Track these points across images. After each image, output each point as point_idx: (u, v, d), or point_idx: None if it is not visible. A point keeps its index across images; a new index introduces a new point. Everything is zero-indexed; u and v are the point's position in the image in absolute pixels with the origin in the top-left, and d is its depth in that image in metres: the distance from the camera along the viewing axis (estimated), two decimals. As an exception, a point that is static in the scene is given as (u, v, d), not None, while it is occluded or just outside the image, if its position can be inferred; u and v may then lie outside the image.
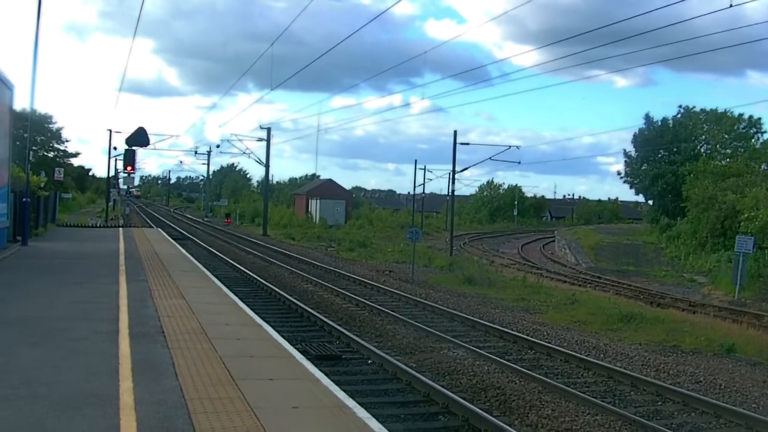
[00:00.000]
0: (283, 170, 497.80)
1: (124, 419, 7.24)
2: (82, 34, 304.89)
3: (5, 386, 8.32)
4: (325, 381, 9.40)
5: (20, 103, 30.61)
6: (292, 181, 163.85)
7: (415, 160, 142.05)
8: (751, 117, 75.92)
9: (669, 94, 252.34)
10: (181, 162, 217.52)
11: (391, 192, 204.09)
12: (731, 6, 20.72)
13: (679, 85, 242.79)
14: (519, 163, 62.50)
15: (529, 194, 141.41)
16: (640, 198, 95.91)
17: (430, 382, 13.67)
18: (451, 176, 60.68)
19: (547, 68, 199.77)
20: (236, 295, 17.94)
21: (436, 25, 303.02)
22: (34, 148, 56.09)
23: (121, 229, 46.64)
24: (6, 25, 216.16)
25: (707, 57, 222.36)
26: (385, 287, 29.07)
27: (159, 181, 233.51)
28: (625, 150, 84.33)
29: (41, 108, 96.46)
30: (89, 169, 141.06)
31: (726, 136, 76.91)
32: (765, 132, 76.80)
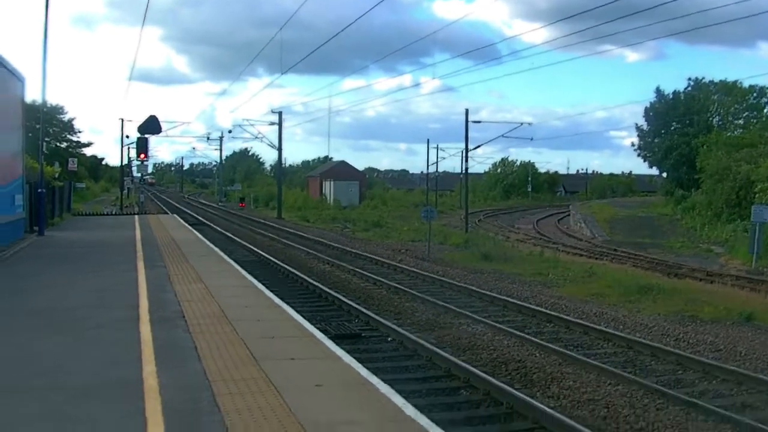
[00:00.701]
0: (296, 153, 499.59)
1: (149, 403, 7.27)
2: (91, 25, 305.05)
3: (28, 376, 8.36)
4: (347, 359, 9.41)
5: (31, 94, 30.76)
6: (305, 163, 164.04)
7: (428, 140, 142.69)
8: (762, 88, 75.62)
9: (681, 67, 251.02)
10: (193, 148, 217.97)
11: (404, 172, 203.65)
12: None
13: (691, 58, 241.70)
14: (531, 139, 62.28)
15: (543, 170, 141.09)
16: (654, 171, 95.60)
17: (451, 358, 13.71)
18: (464, 154, 60.83)
19: (557, 45, 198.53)
20: (254, 277, 17.94)
21: (444, 5, 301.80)
22: (47, 139, 56.24)
23: (136, 216, 46.74)
24: (15, 18, 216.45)
25: (719, 29, 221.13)
26: (402, 266, 29.11)
27: (172, 168, 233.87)
28: (637, 124, 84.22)
29: (52, 99, 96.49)
30: (102, 159, 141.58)
31: (737, 107, 76.60)
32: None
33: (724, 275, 31.39)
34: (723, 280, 29.91)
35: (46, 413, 7.05)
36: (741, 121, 76.53)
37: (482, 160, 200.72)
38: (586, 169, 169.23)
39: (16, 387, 7.92)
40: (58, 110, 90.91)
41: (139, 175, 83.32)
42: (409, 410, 7.26)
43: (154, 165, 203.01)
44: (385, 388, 8.00)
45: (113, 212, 54.35)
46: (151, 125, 36.96)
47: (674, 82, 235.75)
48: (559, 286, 26.14)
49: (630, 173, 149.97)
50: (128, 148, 70.45)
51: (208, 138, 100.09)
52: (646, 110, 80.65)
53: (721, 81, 78.80)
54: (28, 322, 11.52)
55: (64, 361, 9.11)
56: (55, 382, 8.10)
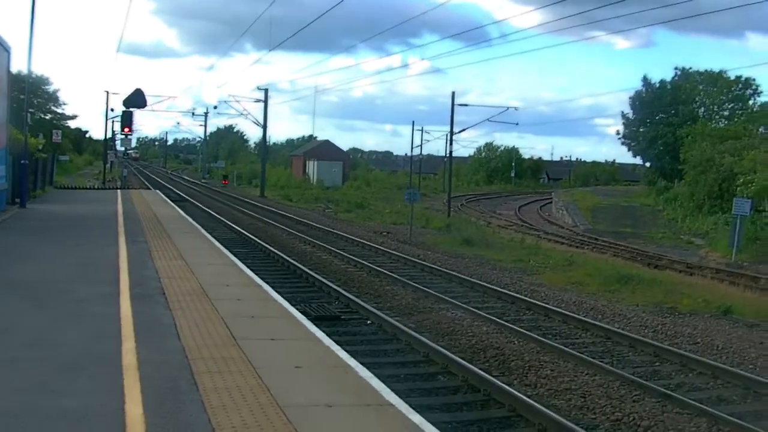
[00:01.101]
0: (281, 131, 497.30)
1: (127, 379, 7.28)
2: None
3: (9, 348, 8.37)
4: (327, 341, 9.44)
5: (17, 65, 30.45)
6: (290, 142, 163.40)
7: (413, 122, 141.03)
8: (747, 79, 75.85)
9: (669, 55, 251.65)
10: (178, 123, 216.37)
11: (388, 153, 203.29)
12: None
13: (680, 47, 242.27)
14: (517, 124, 62.77)
15: (527, 156, 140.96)
16: (638, 160, 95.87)
17: (430, 343, 13.76)
18: (448, 137, 60.77)
19: (547, 29, 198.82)
20: (235, 256, 17.96)
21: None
22: (31, 110, 55.79)
23: (119, 191, 46.55)
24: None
25: (708, 18, 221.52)
26: (383, 248, 29.13)
27: (156, 143, 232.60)
28: (623, 112, 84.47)
29: (38, 70, 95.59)
30: (86, 132, 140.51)
31: (722, 98, 76.86)
32: (761, 93, 76.81)
33: (703, 267, 31.61)
34: (703, 272, 30.12)
35: (26, 386, 7.05)
36: (726, 113, 76.84)
37: (467, 144, 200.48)
38: (570, 157, 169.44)
39: (-3, 359, 7.91)
40: (43, 81, 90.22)
41: (123, 149, 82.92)
42: (388, 395, 7.30)
43: (138, 139, 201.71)
44: (364, 372, 8.04)
45: (96, 186, 54.06)
46: (137, 99, 36.84)
47: (662, 71, 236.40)
48: (539, 274, 26.21)
49: (614, 162, 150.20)
50: (113, 121, 69.94)
51: (193, 114, 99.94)
52: (632, 99, 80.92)
53: (706, 71, 79.07)
54: (7, 295, 11.49)
55: (44, 334, 9.11)
56: (37, 355, 8.10)
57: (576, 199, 71.83)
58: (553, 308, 18.41)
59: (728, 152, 51.21)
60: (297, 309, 11.93)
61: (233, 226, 34.59)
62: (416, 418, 6.72)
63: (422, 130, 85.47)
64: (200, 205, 46.96)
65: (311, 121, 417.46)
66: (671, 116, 75.98)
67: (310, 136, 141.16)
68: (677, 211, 56.99)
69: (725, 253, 36.24)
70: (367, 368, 8.32)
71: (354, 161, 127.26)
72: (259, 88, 72.97)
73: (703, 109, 77.98)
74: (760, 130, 56.46)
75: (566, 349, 14.23)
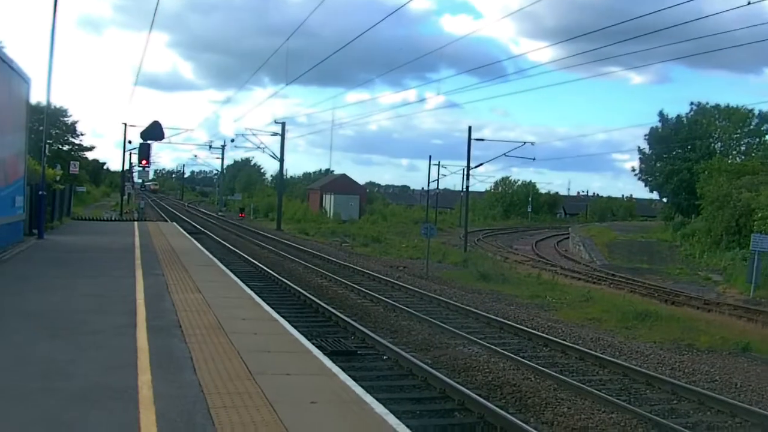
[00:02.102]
0: (297, 165, 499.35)
1: (143, 413, 7.27)
2: (98, 28, 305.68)
3: (24, 379, 8.38)
4: (342, 376, 9.42)
5: (36, 96, 30.76)
6: (306, 175, 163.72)
7: (429, 156, 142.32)
8: (763, 113, 75.65)
9: (685, 91, 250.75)
10: (195, 156, 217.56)
11: (405, 187, 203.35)
12: (749, 3, 20.64)
13: (696, 83, 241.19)
14: (533, 159, 62.06)
15: (543, 191, 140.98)
16: (655, 195, 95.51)
17: (446, 379, 13.69)
18: (465, 172, 60.72)
19: (562, 65, 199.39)
20: (252, 289, 17.96)
21: (452, 20, 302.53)
22: (49, 141, 56.23)
23: (135, 222, 46.75)
24: (23, 19, 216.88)
25: (724, 54, 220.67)
26: (400, 283, 29.07)
27: (173, 175, 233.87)
28: (639, 147, 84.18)
29: (57, 101, 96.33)
30: (104, 163, 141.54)
31: (738, 132, 76.70)
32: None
33: (721, 304, 31.39)
34: (720, 308, 29.90)
35: (41, 418, 7.05)
36: (743, 148, 76.67)
37: (483, 179, 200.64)
38: (587, 191, 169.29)
39: (11, 389, 7.92)
40: (61, 112, 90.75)
41: (140, 180, 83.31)
42: (403, 431, 7.26)
43: (156, 171, 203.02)
44: (380, 408, 8.00)
45: (113, 218, 54.36)
46: (154, 131, 37.03)
47: (678, 107, 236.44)
48: (556, 310, 26.09)
49: (630, 197, 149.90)
50: (130, 153, 70.43)
51: (210, 146, 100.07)
52: (649, 134, 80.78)
53: (723, 106, 78.97)
54: (25, 325, 11.54)
55: (61, 365, 9.12)
56: (51, 387, 8.10)
57: (593, 234, 71.57)
58: (570, 345, 18.32)
59: (745, 187, 51.01)
60: (313, 343, 11.90)
61: (250, 259, 34.61)
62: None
63: (439, 165, 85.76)
64: (217, 238, 47.03)
65: (328, 155, 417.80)
66: (688, 151, 75.77)
67: (327, 170, 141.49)
68: (694, 246, 56.65)
69: (743, 289, 36.00)
70: (383, 404, 8.29)
71: (370, 195, 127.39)
72: (276, 122, 73.39)
73: (719, 144, 77.80)
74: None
75: (583, 386, 14.13)
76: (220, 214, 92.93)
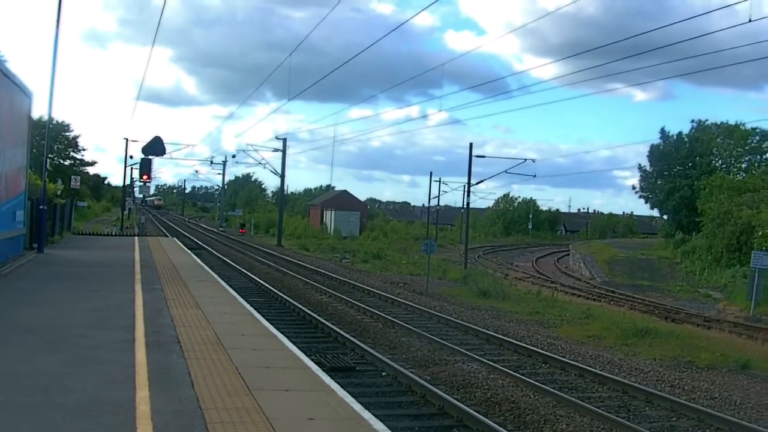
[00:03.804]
0: (299, 181, 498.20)
1: (140, 428, 7.27)
2: (102, 42, 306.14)
3: (22, 393, 8.38)
4: (341, 393, 9.41)
5: (38, 110, 30.85)
6: (307, 191, 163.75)
7: (431, 173, 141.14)
8: (764, 131, 75.72)
9: (688, 108, 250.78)
10: (196, 171, 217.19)
11: (405, 204, 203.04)
12: (750, 21, 20.72)
13: (699, 100, 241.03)
14: (534, 176, 61.92)
15: (544, 207, 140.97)
16: (655, 212, 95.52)
17: (445, 395, 13.67)
18: (466, 189, 60.69)
19: (565, 81, 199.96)
20: (251, 305, 17.98)
21: (456, 36, 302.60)
22: (51, 156, 56.28)
23: (136, 237, 46.76)
24: (26, 33, 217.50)
25: (727, 71, 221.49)
26: (400, 299, 29.06)
27: (174, 191, 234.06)
28: (640, 164, 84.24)
29: (59, 116, 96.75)
30: (105, 178, 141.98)
31: (739, 150, 76.74)
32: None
33: (721, 321, 31.36)
34: (720, 326, 29.88)
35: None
36: (744, 165, 76.70)
37: (484, 195, 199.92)
38: (588, 208, 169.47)
39: (11, 403, 7.92)
40: (63, 127, 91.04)
41: (141, 196, 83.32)
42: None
43: (157, 187, 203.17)
44: (378, 425, 8.00)
45: (113, 233, 54.35)
46: (156, 146, 37.08)
47: (681, 124, 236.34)
48: (556, 327, 26.06)
49: (631, 214, 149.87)
50: (131, 168, 70.52)
51: (211, 162, 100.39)
52: (650, 151, 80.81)
53: (723, 123, 79.09)
54: (24, 339, 11.55)
55: (60, 380, 9.12)
56: (50, 401, 8.10)
57: (593, 251, 71.56)
58: (570, 362, 18.30)
59: (746, 205, 51.03)
60: (312, 359, 11.90)
61: (250, 275, 34.63)
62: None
63: (440, 181, 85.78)
64: (217, 254, 47.07)
65: (329, 171, 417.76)
66: (688, 169, 75.84)
67: (328, 186, 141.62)
68: (695, 263, 56.64)
69: (743, 306, 35.95)
70: (381, 420, 8.28)
71: (371, 211, 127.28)
72: (277, 138, 73.25)
73: (720, 161, 77.86)
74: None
75: (582, 403, 14.10)
76: (220, 229, 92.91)
